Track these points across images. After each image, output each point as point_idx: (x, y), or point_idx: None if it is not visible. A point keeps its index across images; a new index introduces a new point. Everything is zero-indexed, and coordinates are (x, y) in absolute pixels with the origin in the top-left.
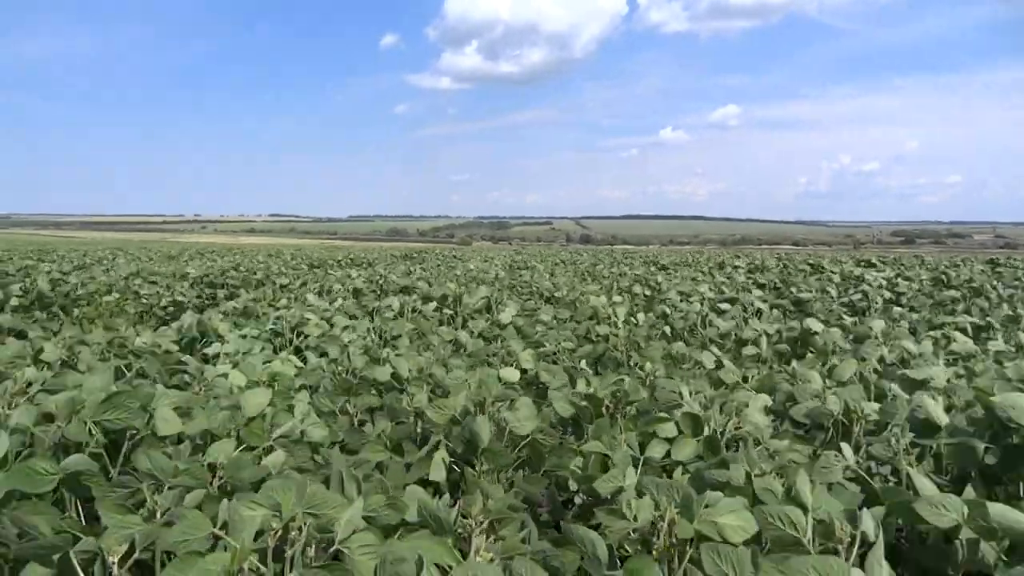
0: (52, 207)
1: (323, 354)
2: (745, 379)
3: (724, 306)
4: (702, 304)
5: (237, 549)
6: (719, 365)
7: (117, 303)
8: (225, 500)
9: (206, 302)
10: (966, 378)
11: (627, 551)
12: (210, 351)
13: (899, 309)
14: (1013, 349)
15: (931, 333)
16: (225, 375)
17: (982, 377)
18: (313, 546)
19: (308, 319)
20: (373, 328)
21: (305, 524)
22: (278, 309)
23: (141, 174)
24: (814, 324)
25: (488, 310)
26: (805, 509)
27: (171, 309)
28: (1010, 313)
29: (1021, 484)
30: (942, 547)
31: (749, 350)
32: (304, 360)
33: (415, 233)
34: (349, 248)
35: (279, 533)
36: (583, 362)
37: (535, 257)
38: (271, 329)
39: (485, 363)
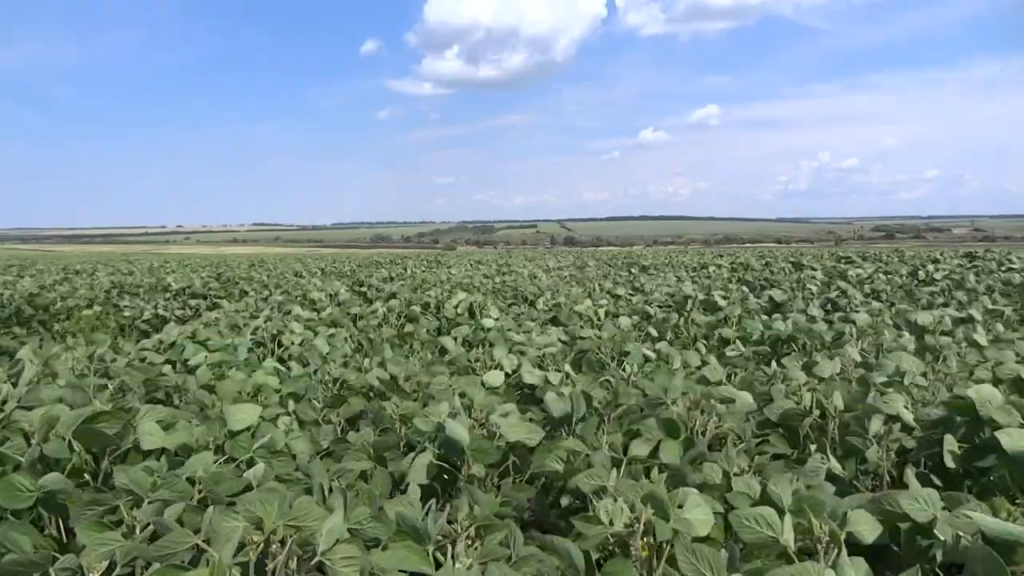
0: (33, 221)
1: (305, 363)
2: (728, 378)
3: (715, 300)
4: (688, 304)
5: (216, 563)
6: (702, 364)
7: (98, 316)
8: (208, 511)
9: (188, 314)
10: (940, 374)
11: (611, 552)
12: (191, 362)
13: (878, 304)
14: (990, 342)
15: (908, 328)
16: (207, 387)
17: (955, 372)
18: (295, 559)
19: (290, 328)
20: (356, 336)
21: (287, 537)
22: (260, 319)
23: (122, 185)
24: (792, 323)
25: (472, 315)
26: (780, 510)
27: (153, 321)
28: (988, 306)
29: (992, 477)
30: (919, 542)
31: (731, 349)
32: (288, 369)
33: (399, 239)
34: (333, 256)
35: (261, 546)
36: (567, 365)
37: (519, 261)
38: (253, 339)
39: (469, 369)
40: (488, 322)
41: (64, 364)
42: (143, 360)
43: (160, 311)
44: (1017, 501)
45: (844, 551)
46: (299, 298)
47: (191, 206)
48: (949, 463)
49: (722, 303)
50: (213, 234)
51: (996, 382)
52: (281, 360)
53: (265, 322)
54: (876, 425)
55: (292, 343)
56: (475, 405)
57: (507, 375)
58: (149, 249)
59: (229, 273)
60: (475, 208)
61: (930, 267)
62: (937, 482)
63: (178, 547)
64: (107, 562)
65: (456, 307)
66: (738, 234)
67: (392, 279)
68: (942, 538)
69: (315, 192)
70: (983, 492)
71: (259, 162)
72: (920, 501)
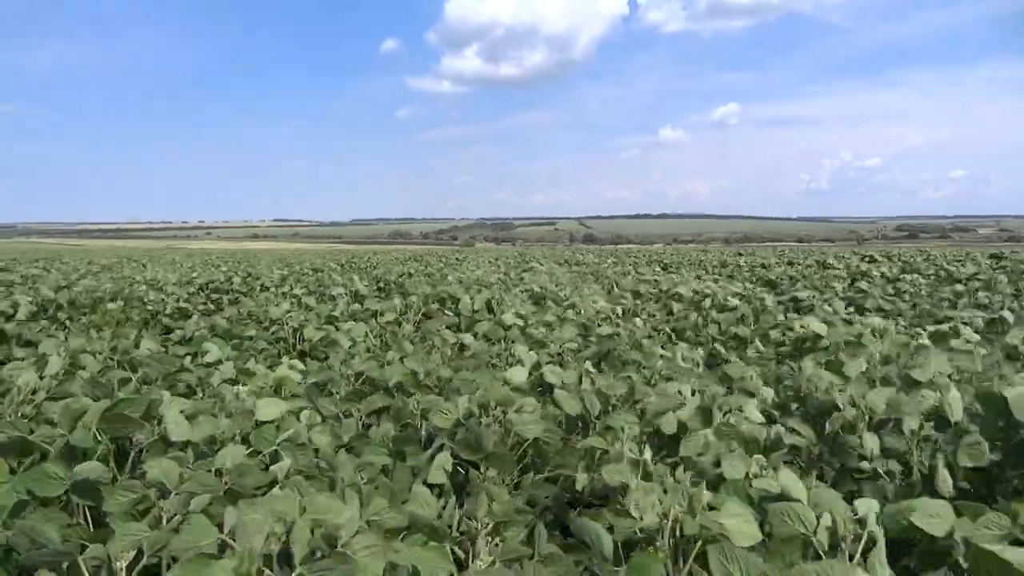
0: (57, 215)
1: (326, 357)
2: (749, 376)
3: (733, 301)
4: (708, 302)
5: (245, 554)
6: (723, 363)
7: (122, 310)
8: (232, 506)
9: (211, 307)
10: (969, 374)
11: (637, 547)
12: (210, 357)
13: (903, 304)
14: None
15: (936, 327)
16: (231, 381)
17: (986, 373)
18: (319, 552)
19: (311, 323)
20: (376, 331)
21: (311, 530)
22: (281, 313)
23: (145, 181)
24: (816, 321)
25: (491, 312)
26: (814, 506)
27: (176, 316)
28: (1013, 307)
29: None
30: (943, 544)
31: (753, 348)
32: (307, 364)
33: (418, 235)
34: (352, 252)
35: (283, 537)
36: (587, 362)
37: (538, 258)
38: (274, 333)
39: (489, 365)
40: (508, 318)
41: (89, 357)
42: (166, 352)
43: (183, 305)
44: None
45: (881, 544)
46: (319, 293)
47: (212, 202)
48: (964, 462)
49: (742, 303)
50: (234, 229)
51: None
52: (302, 354)
53: (286, 316)
54: (909, 423)
55: (313, 337)
56: (493, 402)
57: (528, 373)
58: (171, 244)
59: (251, 268)
60: (493, 205)
61: (957, 267)
62: (967, 483)
63: (202, 539)
64: (134, 552)
65: (475, 303)
66: (759, 233)
67: (411, 275)
68: (961, 547)
69: (334, 189)
70: (1014, 495)
71: (279, 159)
72: (934, 515)
